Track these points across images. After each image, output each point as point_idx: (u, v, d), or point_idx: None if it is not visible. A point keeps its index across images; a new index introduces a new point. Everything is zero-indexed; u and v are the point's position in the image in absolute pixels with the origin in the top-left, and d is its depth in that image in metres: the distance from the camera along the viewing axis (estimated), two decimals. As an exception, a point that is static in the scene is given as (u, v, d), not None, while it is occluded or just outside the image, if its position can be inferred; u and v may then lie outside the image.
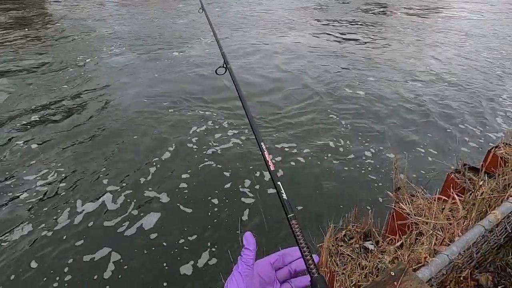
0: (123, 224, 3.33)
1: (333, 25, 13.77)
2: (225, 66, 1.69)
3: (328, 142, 4.86)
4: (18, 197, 3.67)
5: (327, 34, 12.24)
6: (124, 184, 3.87)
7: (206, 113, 5.77)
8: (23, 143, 4.70)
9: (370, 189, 3.87)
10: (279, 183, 0.85)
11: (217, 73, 1.70)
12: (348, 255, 2.17)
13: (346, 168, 4.30)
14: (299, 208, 3.57)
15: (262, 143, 1.01)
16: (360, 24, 14.02)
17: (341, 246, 2.33)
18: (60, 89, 6.71)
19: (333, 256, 2.14)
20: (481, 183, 2.38)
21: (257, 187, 3.90)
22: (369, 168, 4.29)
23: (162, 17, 14.47)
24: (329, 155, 4.57)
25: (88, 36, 11.22)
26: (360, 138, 5.01)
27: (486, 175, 2.45)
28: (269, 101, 6.37)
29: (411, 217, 2.06)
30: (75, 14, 14.42)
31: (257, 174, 4.13)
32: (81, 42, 10.53)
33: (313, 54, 9.52)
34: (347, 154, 4.62)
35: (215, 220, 3.40)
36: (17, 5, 15.40)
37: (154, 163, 4.27)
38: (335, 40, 11.38)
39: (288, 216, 0.77)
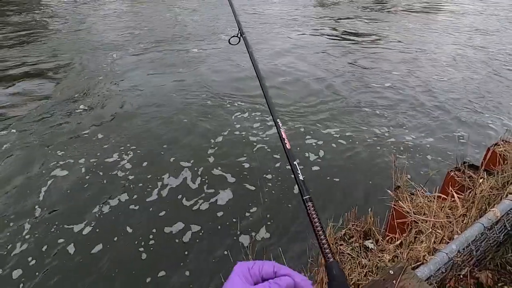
0: (198, 200, 3.67)
1: (342, 22, 13.89)
2: (239, 35, 1.66)
3: (326, 140, 4.86)
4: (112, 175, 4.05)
5: (335, 30, 12.33)
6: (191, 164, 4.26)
7: (235, 103, 5.98)
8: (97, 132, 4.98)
9: (370, 188, 3.87)
10: (295, 163, 0.85)
11: (230, 43, 1.69)
12: (348, 254, 2.17)
13: (344, 167, 4.31)
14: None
15: (278, 121, 0.96)
16: (368, 21, 14.09)
17: (341, 245, 2.33)
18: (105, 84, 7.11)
19: (333, 255, 2.15)
20: (480, 180, 2.38)
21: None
22: (369, 167, 4.29)
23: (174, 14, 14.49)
24: (327, 153, 4.57)
25: (113, 33, 11.49)
26: (359, 136, 5.01)
27: (485, 172, 2.45)
28: (281, 88, 6.67)
29: (411, 216, 2.06)
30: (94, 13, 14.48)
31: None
32: (106, 39, 10.93)
33: (327, 49, 9.70)
34: (345, 152, 4.62)
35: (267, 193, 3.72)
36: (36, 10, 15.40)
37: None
38: (341, 37, 11.45)
39: (304, 197, 0.77)
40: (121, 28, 13.68)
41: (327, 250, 0.61)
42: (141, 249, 3.14)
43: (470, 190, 2.35)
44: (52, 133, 5.05)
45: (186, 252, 3.14)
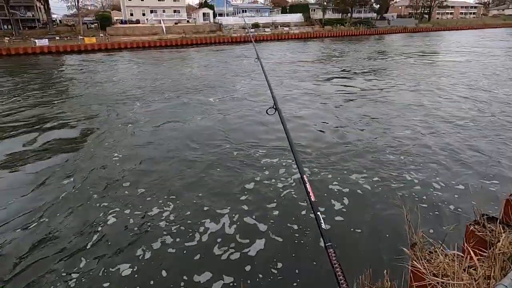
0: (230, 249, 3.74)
1: (353, 71, 15.05)
2: (275, 107, 2.03)
3: (337, 194, 4.76)
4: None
5: (346, 81, 13.27)
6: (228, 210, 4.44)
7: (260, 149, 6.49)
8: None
9: (384, 246, 3.62)
10: (318, 213, 0.96)
11: (267, 113, 2.06)
12: (366, 325, 1.95)
13: (356, 224, 4.11)
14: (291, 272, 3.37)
15: (304, 176, 1.06)
16: (378, 70, 15.23)
17: (358, 314, 2.12)
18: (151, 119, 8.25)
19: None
20: (503, 235, 2.23)
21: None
22: (382, 222, 4.08)
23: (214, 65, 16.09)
24: (339, 209, 4.43)
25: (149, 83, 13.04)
26: (367, 189, 4.89)
27: (505, 225, 2.30)
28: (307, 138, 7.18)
29: (429, 278, 1.90)
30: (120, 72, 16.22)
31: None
32: (129, 92, 12.66)
33: (339, 97, 10.44)
34: (356, 208, 4.46)
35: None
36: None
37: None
38: (352, 87, 12.32)
39: (326, 244, 0.79)
40: (141, 82, 15.22)
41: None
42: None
43: (492, 245, 2.19)
44: (96, 181, 5.36)
45: None
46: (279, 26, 50.79)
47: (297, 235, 3.86)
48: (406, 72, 15.13)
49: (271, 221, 4.15)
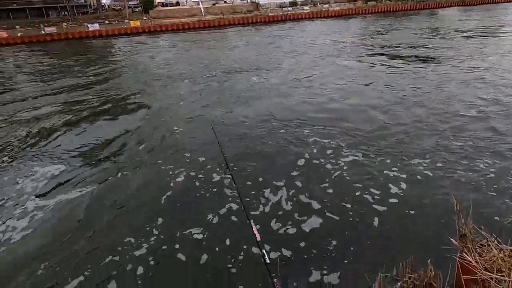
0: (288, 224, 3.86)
1: (401, 51, 13.99)
2: None
3: (385, 181, 4.53)
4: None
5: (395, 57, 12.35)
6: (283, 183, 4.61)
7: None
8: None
9: (429, 234, 3.42)
10: (264, 250, 1.18)
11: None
12: (405, 312, 1.90)
13: (399, 209, 3.91)
14: (346, 249, 3.32)
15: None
16: (431, 48, 13.97)
17: (397, 300, 2.06)
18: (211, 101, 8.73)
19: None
20: None
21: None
22: (428, 210, 3.83)
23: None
24: (380, 194, 4.23)
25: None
26: (416, 174, 4.57)
27: None
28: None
29: (481, 273, 1.76)
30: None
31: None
32: (176, 71, 13.34)
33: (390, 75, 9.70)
34: (403, 191, 4.22)
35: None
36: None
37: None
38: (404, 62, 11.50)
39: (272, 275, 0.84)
40: (184, 62, 15.84)
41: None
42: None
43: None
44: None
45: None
46: (318, 4, 48.02)
47: (351, 213, 3.87)
48: (465, 51, 13.45)
49: (324, 200, 4.13)
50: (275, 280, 1.10)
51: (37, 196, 4.62)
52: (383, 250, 3.28)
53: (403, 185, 4.33)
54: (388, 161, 4.99)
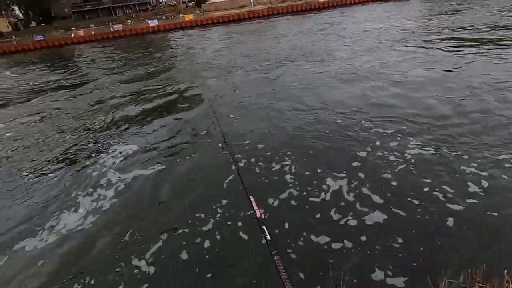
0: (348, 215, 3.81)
1: (473, 34, 12.42)
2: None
3: (461, 178, 4.12)
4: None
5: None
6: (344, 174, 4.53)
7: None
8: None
9: (507, 240, 3.00)
10: (264, 227, 1.17)
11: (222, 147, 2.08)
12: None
13: (478, 210, 3.49)
14: (407, 250, 3.10)
15: None
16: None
17: (462, 310, 1.89)
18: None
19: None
20: None
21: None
22: (507, 210, 3.35)
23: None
24: (455, 191, 3.83)
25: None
26: (500, 171, 4.04)
27: None
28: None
29: None
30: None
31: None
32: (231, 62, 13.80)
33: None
34: (480, 193, 3.77)
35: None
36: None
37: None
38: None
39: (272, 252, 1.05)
40: (237, 53, 16.27)
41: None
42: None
43: None
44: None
45: (331, 260, 3.08)
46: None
47: (406, 214, 3.54)
48: None
49: (388, 194, 3.91)
50: (275, 257, 1.08)
51: (117, 170, 5.35)
52: (449, 255, 2.94)
53: (484, 183, 3.83)
54: (465, 156, 4.44)
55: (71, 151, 6.57)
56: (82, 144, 6.85)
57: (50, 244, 3.83)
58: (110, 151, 6.23)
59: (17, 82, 16.88)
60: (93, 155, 6.21)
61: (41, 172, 5.78)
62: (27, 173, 5.84)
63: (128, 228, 3.86)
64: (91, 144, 6.77)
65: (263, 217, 1.31)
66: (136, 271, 3.26)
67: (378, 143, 5.09)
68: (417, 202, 3.66)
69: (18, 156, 6.72)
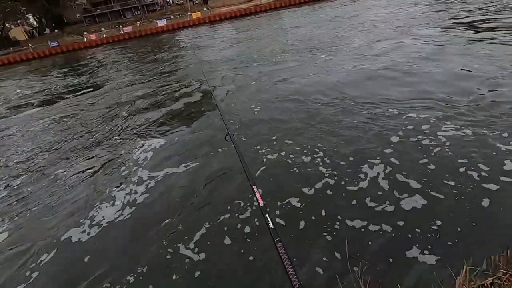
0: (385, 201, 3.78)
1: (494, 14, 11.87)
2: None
3: (498, 157, 4.00)
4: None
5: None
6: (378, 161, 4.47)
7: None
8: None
9: None
10: (266, 215, 1.21)
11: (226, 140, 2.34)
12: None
13: (495, 188, 3.38)
14: (423, 234, 3.04)
15: None
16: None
17: (488, 297, 1.87)
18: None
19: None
20: None
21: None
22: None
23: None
24: (492, 170, 3.71)
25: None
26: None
27: None
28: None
29: None
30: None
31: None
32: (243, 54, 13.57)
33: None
34: (495, 170, 3.65)
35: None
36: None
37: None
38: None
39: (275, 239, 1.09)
40: (249, 47, 16.19)
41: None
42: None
43: None
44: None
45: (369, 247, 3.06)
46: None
47: (456, 192, 3.45)
48: None
49: (424, 179, 3.80)
50: (278, 244, 1.12)
51: (146, 168, 5.46)
52: (470, 239, 2.83)
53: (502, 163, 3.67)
54: (504, 134, 4.29)
55: (102, 149, 6.80)
56: (111, 142, 7.08)
57: (94, 235, 4.01)
58: (138, 147, 6.42)
59: (39, 87, 17.56)
60: (123, 152, 6.42)
61: (77, 170, 6.03)
62: (64, 171, 6.11)
63: (162, 219, 4.00)
64: (119, 141, 7.03)
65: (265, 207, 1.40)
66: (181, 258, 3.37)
67: (410, 127, 4.98)
68: (452, 183, 3.55)
69: (53, 155, 7.02)
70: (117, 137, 7.29)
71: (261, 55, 13.31)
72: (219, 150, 5.49)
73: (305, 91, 7.54)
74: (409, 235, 3.05)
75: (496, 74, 6.37)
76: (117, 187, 5.04)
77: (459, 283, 1.75)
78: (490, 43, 8.60)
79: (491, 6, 13.73)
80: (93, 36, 40.68)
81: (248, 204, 3.85)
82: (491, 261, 1.94)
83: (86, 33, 42.71)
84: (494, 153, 3.96)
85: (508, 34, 9.07)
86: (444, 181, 3.65)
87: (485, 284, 1.91)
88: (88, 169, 5.97)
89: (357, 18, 18.17)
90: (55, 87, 16.40)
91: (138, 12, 55.63)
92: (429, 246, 2.86)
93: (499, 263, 1.94)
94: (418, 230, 3.07)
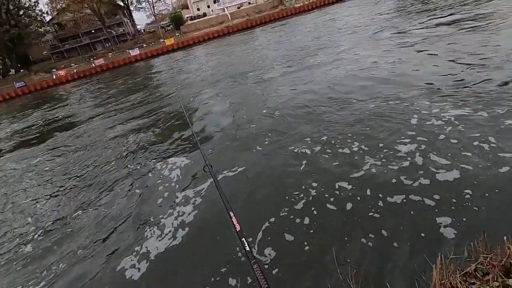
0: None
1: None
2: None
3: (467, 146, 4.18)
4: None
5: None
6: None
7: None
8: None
9: (505, 206, 2.96)
10: (243, 239, 1.31)
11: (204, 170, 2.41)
12: (488, 296, 1.79)
13: (471, 174, 3.52)
14: (395, 223, 3.14)
15: None
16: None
17: (473, 284, 1.94)
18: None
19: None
20: None
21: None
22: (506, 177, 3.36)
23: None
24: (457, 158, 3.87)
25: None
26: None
27: None
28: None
29: None
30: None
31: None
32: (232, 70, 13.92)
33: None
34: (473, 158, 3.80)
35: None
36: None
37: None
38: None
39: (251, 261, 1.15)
40: (229, 65, 16.21)
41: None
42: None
43: None
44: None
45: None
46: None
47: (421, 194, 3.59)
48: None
49: (402, 177, 3.94)
50: (254, 266, 1.16)
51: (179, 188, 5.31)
52: (447, 227, 2.88)
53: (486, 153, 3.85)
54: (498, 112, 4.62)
55: (124, 175, 6.53)
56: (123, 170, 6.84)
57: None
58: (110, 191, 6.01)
59: (10, 132, 16.80)
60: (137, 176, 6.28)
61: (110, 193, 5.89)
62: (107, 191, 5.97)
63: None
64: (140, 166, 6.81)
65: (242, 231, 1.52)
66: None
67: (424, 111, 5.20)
68: (448, 162, 3.73)
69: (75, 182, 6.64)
70: (106, 177, 6.86)
71: (237, 74, 13.57)
72: (198, 182, 5.31)
73: (281, 109, 7.60)
74: (395, 235, 3.08)
75: (501, 58, 6.72)
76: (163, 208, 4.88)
77: (436, 269, 1.82)
78: (457, 36, 9.28)
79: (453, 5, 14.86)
80: (61, 73, 39.85)
81: (226, 230, 3.78)
82: (471, 248, 2.04)
83: (54, 70, 41.88)
84: (446, 144, 4.17)
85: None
86: (420, 178, 3.79)
87: (470, 271, 1.98)
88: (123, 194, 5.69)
89: (330, 29, 18.98)
90: (29, 129, 15.81)
91: (109, 43, 55.50)
92: (413, 244, 2.89)
93: (478, 248, 2.03)
94: (401, 228, 3.12)
